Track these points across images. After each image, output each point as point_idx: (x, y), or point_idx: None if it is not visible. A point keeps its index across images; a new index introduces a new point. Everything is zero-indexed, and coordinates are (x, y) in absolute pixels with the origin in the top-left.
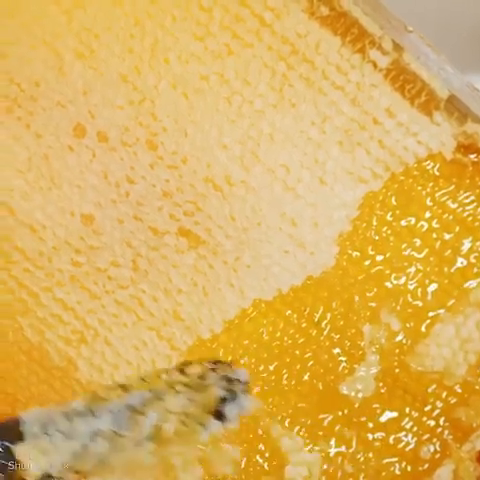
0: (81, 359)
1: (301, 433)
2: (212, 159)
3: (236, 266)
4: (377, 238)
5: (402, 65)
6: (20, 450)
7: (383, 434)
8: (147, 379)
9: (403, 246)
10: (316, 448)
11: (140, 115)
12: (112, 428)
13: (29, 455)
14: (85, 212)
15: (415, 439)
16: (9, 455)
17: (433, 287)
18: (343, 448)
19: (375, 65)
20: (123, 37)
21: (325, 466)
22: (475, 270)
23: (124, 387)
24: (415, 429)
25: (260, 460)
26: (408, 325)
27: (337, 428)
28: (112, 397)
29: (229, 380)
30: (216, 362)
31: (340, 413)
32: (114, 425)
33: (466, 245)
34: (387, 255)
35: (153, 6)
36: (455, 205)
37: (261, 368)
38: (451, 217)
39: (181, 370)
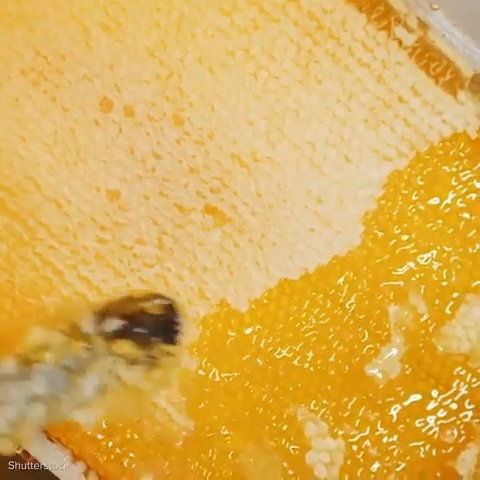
0: None
1: (325, 416)
2: (238, 135)
3: (262, 243)
4: (402, 218)
5: (427, 43)
6: None
7: (407, 417)
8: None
9: (428, 226)
10: (340, 432)
11: (166, 90)
12: (49, 391)
13: None
14: (111, 188)
15: (439, 422)
16: None
17: (457, 268)
18: (367, 431)
19: (400, 43)
20: (149, 10)
21: (349, 450)
22: None
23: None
24: (439, 412)
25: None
26: (434, 306)
27: (361, 411)
28: (44, 358)
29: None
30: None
31: (364, 396)
32: (50, 388)
33: None
34: (412, 235)
35: None
36: None
37: (287, 349)
38: (476, 197)
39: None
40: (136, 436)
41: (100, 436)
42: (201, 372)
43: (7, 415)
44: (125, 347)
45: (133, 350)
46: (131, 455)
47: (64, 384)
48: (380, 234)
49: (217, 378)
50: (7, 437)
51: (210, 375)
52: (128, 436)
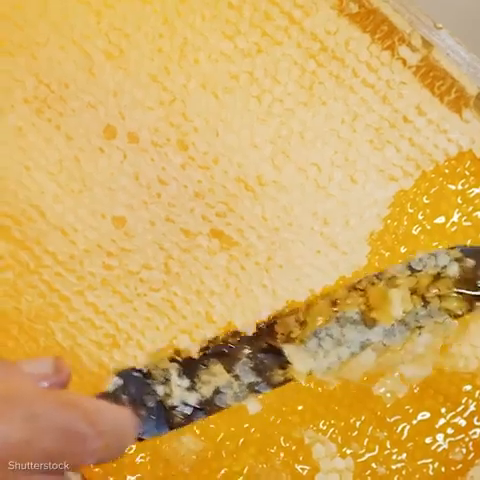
0: (113, 363)
1: (334, 436)
2: (243, 159)
3: (268, 267)
4: (408, 237)
5: (432, 62)
6: (289, 350)
7: (416, 435)
8: None
9: (434, 245)
10: (348, 451)
11: (170, 115)
12: (383, 341)
13: (298, 355)
14: (116, 214)
15: (448, 440)
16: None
17: None
18: (376, 450)
19: (404, 62)
20: (152, 36)
21: (358, 469)
22: None
23: None
24: (448, 429)
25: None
26: (441, 325)
27: (370, 429)
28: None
29: None
30: None
31: (373, 415)
32: (386, 338)
33: None
34: None
35: (182, 5)
36: None
37: None
38: None
39: None
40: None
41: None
42: None
43: (341, 354)
44: (454, 303)
45: (460, 304)
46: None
47: (400, 338)
48: (386, 254)
49: None
50: (334, 374)
51: None
52: (138, 460)
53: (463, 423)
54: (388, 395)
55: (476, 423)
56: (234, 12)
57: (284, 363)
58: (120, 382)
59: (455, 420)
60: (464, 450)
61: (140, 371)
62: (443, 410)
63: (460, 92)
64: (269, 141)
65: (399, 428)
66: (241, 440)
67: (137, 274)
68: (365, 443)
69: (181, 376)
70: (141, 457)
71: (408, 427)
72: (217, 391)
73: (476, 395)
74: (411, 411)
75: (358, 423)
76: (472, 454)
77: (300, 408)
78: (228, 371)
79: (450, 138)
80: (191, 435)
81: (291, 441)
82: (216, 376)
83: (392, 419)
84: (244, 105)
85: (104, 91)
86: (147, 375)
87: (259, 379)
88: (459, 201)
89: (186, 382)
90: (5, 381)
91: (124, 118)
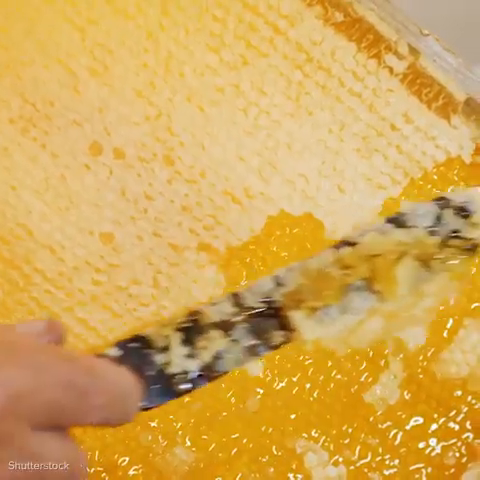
0: None
1: (326, 444)
2: (230, 172)
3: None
4: None
5: (419, 69)
6: (296, 317)
7: (409, 440)
8: None
9: None
10: (341, 459)
11: (156, 130)
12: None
13: (305, 323)
14: (104, 231)
15: (441, 444)
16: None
17: (455, 292)
18: (369, 456)
19: (391, 70)
20: (137, 52)
21: (351, 477)
22: None
23: None
24: (440, 434)
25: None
26: (432, 332)
27: (362, 436)
28: None
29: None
30: None
31: (364, 422)
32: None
33: None
34: None
35: (166, 19)
36: None
37: (285, 380)
38: None
39: None
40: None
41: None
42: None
43: (347, 321)
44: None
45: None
46: None
47: (405, 304)
48: None
49: None
50: (342, 341)
51: None
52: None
53: (456, 427)
54: (380, 402)
55: (468, 427)
56: (218, 24)
57: (283, 324)
58: (119, 353)
59: (447, 424)
60: (457, 454)
61: (139, 340)
62: (435, 415)
63: (448, 98)
64: (256, 153)
65: (391, 434)
66: (234, 450)
67: (126, 289)
68: (357, 450)
69: (181, 344)
70: (134, 469)
71: (401, 433)
72: (217, 356)
73: (468, 399)
74: (403, 417)
75: (350, 430)
76: (465, 458)
77: (292, 417)
78: (226, 336)
79: (438, 145)
80: (183, 446)
81: (283, 450)
82: (214, 341)
83: (384, 425)
84: (230, 118)
85: (89, 108)
86: (146, 344)
87: (258, 342)
88: None
89: (185, 349)
90: (6, 335)
91: (110, 134)
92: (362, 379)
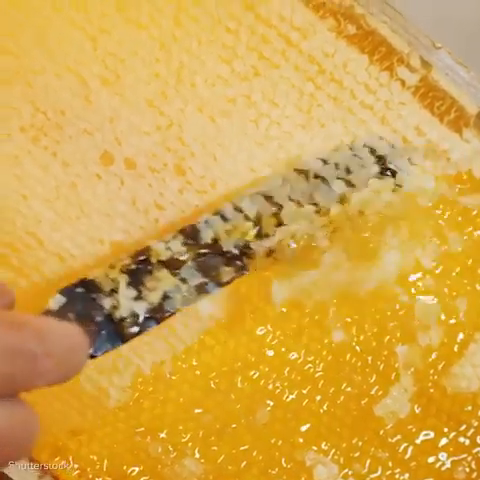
0: (113, 387)
1: (336, 457)
2: (241, 183)
3: None
4: None
5: (431, 82)
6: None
7: (419, 454)
8: None
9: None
10: (350, 472)
11: (167, 140)
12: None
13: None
14: (114, 240)
15: (451, 459)
16: None
17: (464, 306)
18: (379, 470)
19: (403, 83)
20: (149, 61)
21: None
22: None
23: None
24: (451, 449)
25: None
26: (442, 346)
27: (372, 450)
28: None
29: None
30: None
31: (375, 435)
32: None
33: None
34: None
35: (179, 29)
36: None
37: (295, 393)
38: None
39: None
40: None
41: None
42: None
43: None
44: None
45: None
46: None
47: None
48: None
49: None
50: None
51: None
52: None
53: (466, 442)
54: (390, 415)
55: (478, 442)
56: (231, 36)
57: (229, 261)
58: (63, 300)
59: (458, 439)
60: (467, 469)
61: (85, 284)
62: (446, 429)
63: (460, 112)
64: (267, 164)
65: (401, 448)
66: (243, 462)
67: None
68: (367, 464)
69: (128, 286)
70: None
71: (411, 447)
72: (165, 297)
73: (478, 414)
74: (413, 430)
75: (360, 443)
76: (475, 473)
77: (302, 429)
78: (173, 275)
79: (449, 158)
80: (192, 458)
81: (293, 462)
82: (162, 281)
83: (394, 439)
84: (241, 129)
85: (100, 117)
86: (92, 289)
87: (206, 279)
88: (459, 220)
89: (133, 292)
90: None
91: (121, 144)
92: (372, 392)
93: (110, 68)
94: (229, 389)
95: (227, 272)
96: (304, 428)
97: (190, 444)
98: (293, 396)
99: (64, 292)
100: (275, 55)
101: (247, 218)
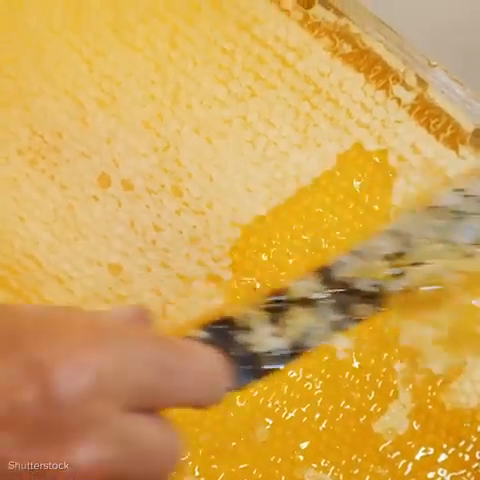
0: None
1: (335, 474)
2: (237, 203)
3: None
4: None
5: (427, 100)
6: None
7: (418, 470)
8: None
9: None
10: None
11: (164, 162)
12: None
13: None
14: (112, 262)
15: (450, 474)
16: None
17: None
18: None
19: (399, 101)
20: (144, 83)
21: None
22: None
23: None
24: (450, 464)
25: None
26: (441, 361)
27: (371, 467)
28: None
29: None
30: None
31: (374, 452)
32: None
33: None
34: None
35: (174, 51)
36: None
37: (294, 410)
38: None
39: None
40: None
41: None
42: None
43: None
44: None
45: None
46: None
47: None
48: None
49: None
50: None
51: None
52: None
53: (466, 457)
54: (389, 432)
55: (478, 457)
56: (227, 57)
57: (365, 298)
58: (206, 335)
59: (457, 454)
60: None
61: (224, 321)
62: (445, 445)
63: (456, 129)
64: (264, 185)
65: (401, 464)
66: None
67: None
68: None
69: (266, 323)
70: None
71: (410, 463)
72: (302, 333)
73: (478, 430)
74: (413, 447)
75: (359, 460)
76: None
77: (302, 447)
78: (311, 312)
79: (446, 175)
80: (192, 476)
81: None
82: (298, 318)
83: (394, 455)
84: (238, 149)
85: (97, 139)
86: (231, 325)
87: (343, 316)
88: None
89: (271, 328)
90: (97, 319)
91: (118, 166)
92: (371, 409)
93: (106, 90)
94: (228, 407)
95: (364, 308)
96: (303, 446)
97: (190, 463)
98: (292, 414)
99: (205, 327)
100: (271, 75)
101: (381, 257)
